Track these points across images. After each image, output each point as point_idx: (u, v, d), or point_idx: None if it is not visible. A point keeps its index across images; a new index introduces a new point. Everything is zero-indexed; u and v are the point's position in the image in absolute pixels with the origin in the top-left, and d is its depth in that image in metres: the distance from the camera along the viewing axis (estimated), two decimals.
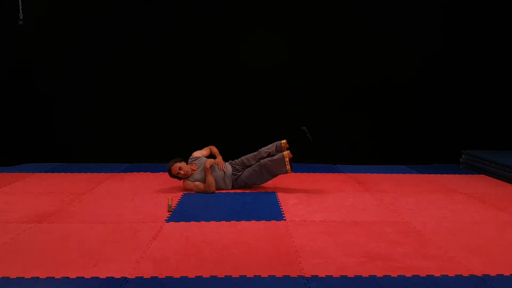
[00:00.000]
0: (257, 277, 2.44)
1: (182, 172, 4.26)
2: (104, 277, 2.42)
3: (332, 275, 2.47)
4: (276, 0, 5.65)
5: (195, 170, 4.38)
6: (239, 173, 4.45)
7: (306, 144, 4.21)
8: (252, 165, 4.42)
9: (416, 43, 5.78)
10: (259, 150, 4.46)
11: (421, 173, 5.35)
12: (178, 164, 4.27)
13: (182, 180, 4.40)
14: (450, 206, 3.90)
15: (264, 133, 5.79)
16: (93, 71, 5.70)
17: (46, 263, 2.60)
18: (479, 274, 2.50)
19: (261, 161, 4.35)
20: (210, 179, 4.30)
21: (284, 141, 4.39)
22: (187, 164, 4.42)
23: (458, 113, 5.93)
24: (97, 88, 5.74)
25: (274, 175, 4.38)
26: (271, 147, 4.41)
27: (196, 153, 4.58)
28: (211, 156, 4.62)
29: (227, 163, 4.53)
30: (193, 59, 5.72)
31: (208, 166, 4.30)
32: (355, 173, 5.31)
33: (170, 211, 3.66)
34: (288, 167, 4.25)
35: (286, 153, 4.26)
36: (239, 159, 4.53)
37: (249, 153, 4.52)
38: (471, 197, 4.25)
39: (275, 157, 4.29)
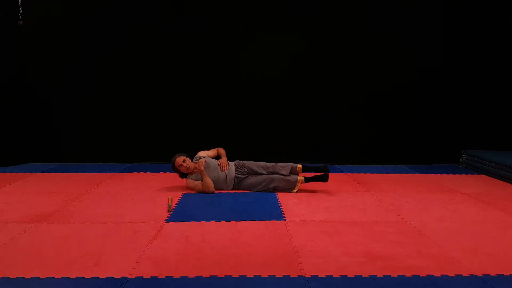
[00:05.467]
0: (257, 277, 2.44)
1: (185, 165, 4.24)
2: (104, 277, 2.42)
3: (332, 275, 2.47)
4: (277, 3, 5.65)
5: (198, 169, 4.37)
6: (243, 176, 4.43)
7: (320, 181, 4.32)
8: (260, 174, 4.42)
9: (416, 43, 5.78)
10: (273, 164, 4.47)
11: (421, 173, 5.35)
12: (183, 157, 4.27)
13: (185, 178, 4.40)
14: (450, 206, 3.90)
15: (264, 133, 5.82)
16: (93, 70, 5.69)
17: (46, 263, 2.60)
18: (479, 274, 2.50)
19: (273, 175, 4.36)
20: (206, 180, 4.28)
21: (300, 166, 4.44)
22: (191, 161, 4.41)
23: (458, 113, 5.93)
24: (97, 88, 5.74)
25: (278, 191, 4.38)
26: (286, 167, 4.43)
27: (201, 153, 4.56)
28: (217, 157, 4.61)
29: (231, 163, 4.50)
30: (194, 59, 5.72)
31: (202, 168, 4.29)
32: (355, 173, 5.31)
33: (170, 211, 3.66)
34: (296, 189, 4.32)
35: (301, 179, 4.33)
36: (248, 162, 4.50)
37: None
38: (471, 197, 4.25)
39: (289, 178, 4.33)
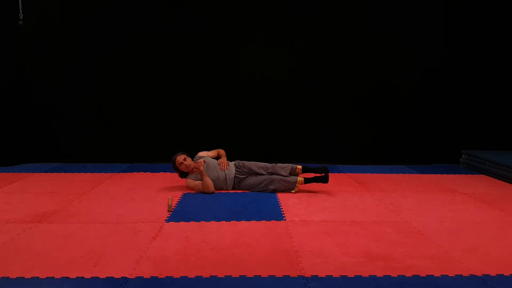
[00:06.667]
0: (257, 277, 2.44)
1: (185, 163, 4.25)
2: (104, 277, 2.42)
3: (332, 275, 2.47)
4: (277, 3, 5.65)
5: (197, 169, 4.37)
6: (242, 177, 4.43)
7: (320, 182, 4.31)
8: (260, 174, 4.41)
9: (416, 43, 5.78)
10: (273, 165, 4.46)
11: (421, 173, 5.35)
12: (184, 156, 4.28)
13: (185, 178, 4.40)
14: (450, 206, 3.90)
15: (264, 133, 5.82)
16: (93, 70, 5.69)
17: (46, 263, 2.60)
18: (479, 274, 2.50)
19: (273, 176, 4.35)
20: (206, 180, 4.28)
21: (300, 167, 4.43)
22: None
23: (458, 113, 5.94)
24: (97, 88, 5.74)
25: (278, 192, 4.37)
26: (286, 168, 4.42)
27: (202, 153, 4.56)
28: (217, 158, 4.60)
29: (231, 163, 4.50)
30: (194, 59, 5.72)
31: (201, 168, 4.29)
32: (355, 173, 5.31)
33: (170, 211, 3.66)
34: (295, 190, 4.31)
35: (300, 179, 4.31)
36: (248, 163, 4.49)
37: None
38: (471, 197, 4.25)
39: (288, 179, 4.32)
